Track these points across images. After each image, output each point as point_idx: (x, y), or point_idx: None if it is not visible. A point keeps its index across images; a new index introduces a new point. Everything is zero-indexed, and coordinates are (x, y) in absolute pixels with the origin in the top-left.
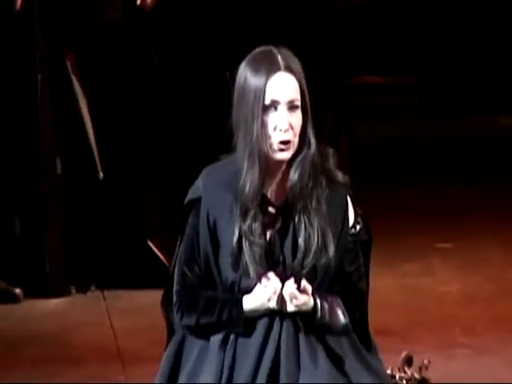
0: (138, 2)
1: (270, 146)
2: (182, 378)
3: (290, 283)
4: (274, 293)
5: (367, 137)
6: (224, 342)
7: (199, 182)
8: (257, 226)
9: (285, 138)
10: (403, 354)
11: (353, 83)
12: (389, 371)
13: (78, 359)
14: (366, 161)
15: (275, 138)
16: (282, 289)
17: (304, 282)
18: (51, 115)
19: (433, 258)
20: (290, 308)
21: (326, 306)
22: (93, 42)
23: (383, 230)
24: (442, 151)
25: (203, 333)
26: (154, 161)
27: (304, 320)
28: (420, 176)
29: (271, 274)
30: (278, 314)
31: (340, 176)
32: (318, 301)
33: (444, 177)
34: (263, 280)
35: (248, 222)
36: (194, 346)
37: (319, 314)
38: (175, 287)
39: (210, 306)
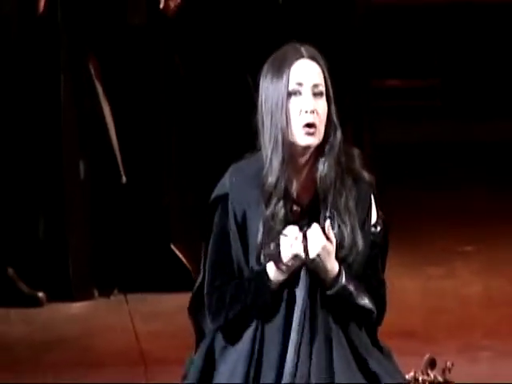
0: (161, 6)
1: (296, 132)
2: (217, 379)
3: (315, 226)
4: (296, 238)
5: (389, 139)
6: (253, 339)
7: (226, 179)
8: (280, 215)
9: (310, 119)
10: (426, 357)
11: (375, 86)
12: (412, 374)
13: (100, 363)
14: (388, 163)
15: (301, 121)
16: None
17: (328, 225)
18: (74, 119)
19: (456, 261)
20: (314, 252)
21: (351, 281)
22: (116, 46)
23: (406, 232)
24: (464, 154)
25: (234, 331)
26: (177, 164)
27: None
28: (442, 179)
29: (290, 227)
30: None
31: (366, 175)
32: (343, 268)
33: (466, 180)
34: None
35: (270, 209)
36: (224, 348)
37: (343, 279)
38: (206, 289)
39: (237, 290)
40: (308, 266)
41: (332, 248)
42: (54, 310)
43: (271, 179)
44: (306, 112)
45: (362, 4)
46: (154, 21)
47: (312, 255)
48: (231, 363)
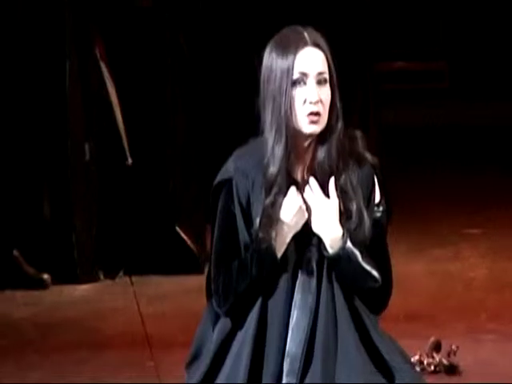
0: None
1: (300, 119)
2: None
3: (313, 182)
4: (297, 194)
5: (396, 122)
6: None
7: (230, 164)
8: (279, 203)
9: (315, 109)
10: (431, 340)
11: (382, 69)
12: (417, 357)
13: (105, 345)
14: (394, 146)
15: (305, 110)
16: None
17: (331, 184)
18: (80, 101)
19: (461, 244)
20: (314, 206)
21: (357, 246)
22: (121, 28)
23: (412, 216)
24: (471, 137)
25: (242, 311)
26: (183, 146)
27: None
28: (449, 162)
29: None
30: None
31: (369, 157)
32: (347, 232)
33: (473, 163)
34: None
35: (270, 197)
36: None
37: (348, 242)
38: (212, 272)
39: (242, 265)
40: (311, 230)
41: (334, 206)
42: (59, 292)
43: (273, 169)
44: (311, 102)
45: None
46: (159, 2)
47: (312, 210)
48: (236, 348)
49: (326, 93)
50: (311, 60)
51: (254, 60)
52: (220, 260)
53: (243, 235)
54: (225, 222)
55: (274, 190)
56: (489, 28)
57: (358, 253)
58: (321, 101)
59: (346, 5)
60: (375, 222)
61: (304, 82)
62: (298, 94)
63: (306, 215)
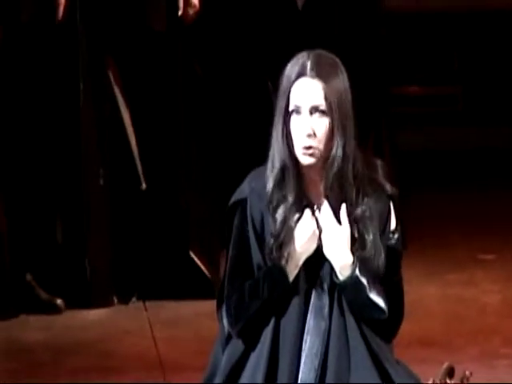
0: (180, 12)
1: (297, 150)
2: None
3: (326, 208)
4: (310, 219)
5: (410, 146)
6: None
7: (245, 184)
8: (293, 226)
9: (306, 143)
10: (445, 365)
11: (396, 93)
12: (430, 382)
13: (119, 370)
14: (409, 170)
15: (299, 142)
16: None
17: (343, 210)
18: (93, 125)
19: (476, 269)
20: (326, 232)
21: (366, 275)
22: (135, 53)
23: (426, 240)
24: (486, 160)
25: (252, 336)
26: (196, 171)
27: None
28: (464, 186)
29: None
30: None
31: (388, 187)
32: (357, 260)
33: (489, 187)
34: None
35: (284, 220)
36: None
37: (357, 270)
38: (225, 293)
39: (255, 286)
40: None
41: (345, 232)
42: (72, 316)
43: (286, 193)
44: (304, 135)
45: (384, 11)
46: (173, 27)
47: (324, 235)
48: (250, 372)
49: (321, 124)
50: (306, 92)
51: (267, 84)
52: (233, 280)
53: (256, 256)
54: (239, 243)
55: (289, 213)
56: (503, 53)
57: (366, 283)
58: (315, 133)
59: (361, 30)
60: (390, 250)
61: (299, 112)
62: (294, 124)
63: (318, 239)
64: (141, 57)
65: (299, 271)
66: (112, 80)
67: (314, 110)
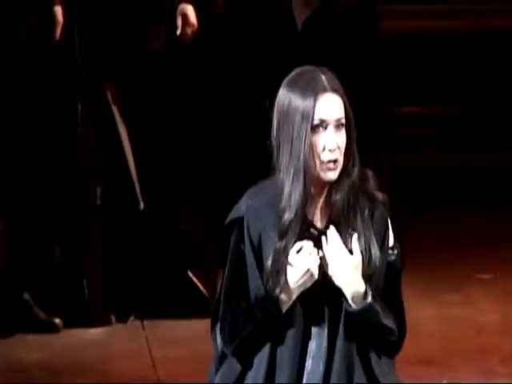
0: (178, 32)
1: (318, 166)
2: None
3: (335, 238)
4: (310, 254)
5: (407, 166)
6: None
7: (242, 203)
8: (291, 250)
9: (333, 157)
10: None
11: (393, 113)
12: None
13: None
14: (406, 190)
15: (324, 157)
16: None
17: (355, 239)
18: (92, 145)
19: (473, 289)
20: (334, 267)
21: (377, 300)
22: (133, 73)
23: (424, 259)
24: (483, 182)
25: (247, 356)
26: (194, 191)
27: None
28: (461, 206)
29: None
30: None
31: (380, 196)
32: (369, 288)
33: (486, 207)
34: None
35: (283, 243)
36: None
37: (370, 297)
38: (220, 312)
39: (249, 310)
40: (330, 283)
41: (357, 262)
42: (70, 335)
43: (288, 215)
44: (330, 150)
45: (381, 32)
46: (171, 47)
47: (331, 271)
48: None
49: (342, 138)
50: (331, 106)
51: (265, 104)
52: (229, 300)
53: (254, 275)
54: (235, 262)
55: (288, 235)
56: (501, 74)
57: (379, 309)
58: (338, 147)
59: (359, 49)
60: (389, 266)
61: (323, 127)
62: (317, 140)
63: (316, 277)
64: (139, 77)
65: (298, 298)
66: (110, 100)
67: (337, 122)
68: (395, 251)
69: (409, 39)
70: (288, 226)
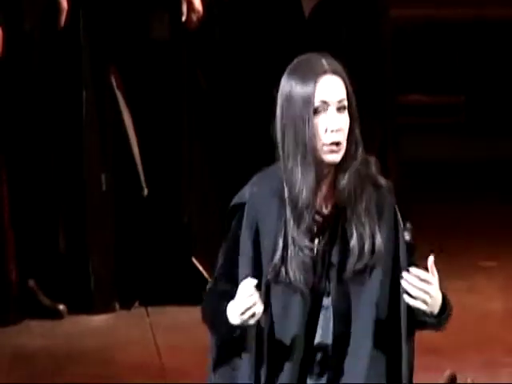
0: (184, 18)
1: (321, 148)
2: None
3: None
4: (251, 295)
5: (412, 155)
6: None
7: (246, 189)
8: (307, 234)
9: (336, 138)
10: (446, 373)
11: (399, 102)
12: None
13: (121, 376)
14: (412, 179)
15: (326, 139)
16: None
17: (431, 262)
18: (96, 132)
19: (477, 277)
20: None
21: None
22: (138, 60)
23: (427, 248)
24: (488, 171)
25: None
26: (199, 178)
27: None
28: (467, 195)
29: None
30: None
31: (383, 181)
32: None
33: (491, 196)
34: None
35: (301, 228)
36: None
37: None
38: (207, 289)
39: (214, 304)
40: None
41: (436, 283)
42: (74, 322)
43: (304, 199)
44: (332, 131)
45: (388, 21)
46: (176, 34)
47: (412, 303)
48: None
49: (345, 120)
50: (331, 88)
51: (272, 93)
52: (214, 287)
53: (244, 262)
54: (230, 247)
55: (304, 221)
56: (507, 63)
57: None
58: (341, 129)
59: (367, 37)
60: (408, 246)
61: (325, 109)
62: (319, 122)
63: (257, 318)
64: (143, 64)
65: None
66: (115, 87)
67: (339, 104)
68: (408, 230)
69: (414, 28)
70: (302, 214)
